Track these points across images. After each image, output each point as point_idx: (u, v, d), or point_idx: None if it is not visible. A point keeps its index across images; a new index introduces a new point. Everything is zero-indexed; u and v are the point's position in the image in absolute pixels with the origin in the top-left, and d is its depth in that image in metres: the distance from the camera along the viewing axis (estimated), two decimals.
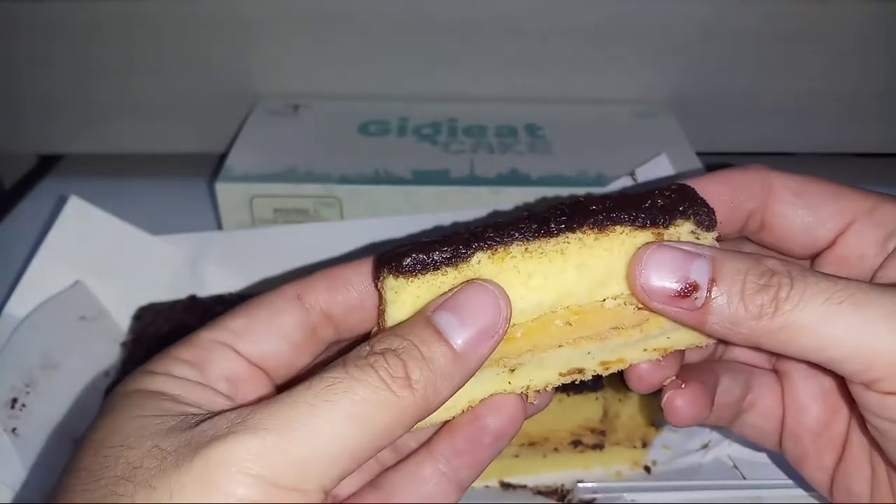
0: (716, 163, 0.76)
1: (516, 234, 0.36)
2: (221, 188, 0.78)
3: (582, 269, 0.36)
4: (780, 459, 0.51)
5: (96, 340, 0.63)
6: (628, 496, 0.56)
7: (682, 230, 0.37)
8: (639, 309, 0.37)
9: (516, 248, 0.36)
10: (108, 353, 0.62)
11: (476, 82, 0.93)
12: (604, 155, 0.82)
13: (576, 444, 0.59)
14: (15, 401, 0.55)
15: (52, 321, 0.61)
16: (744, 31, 0.87)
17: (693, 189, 0.38)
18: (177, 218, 0.77)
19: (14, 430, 0.53)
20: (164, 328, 0.62)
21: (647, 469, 0.60)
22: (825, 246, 0.41)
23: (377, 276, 0.37)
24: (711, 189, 0.40)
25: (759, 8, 0.85)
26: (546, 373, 0.38)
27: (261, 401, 0.31)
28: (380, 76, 0.93)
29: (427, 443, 0.39)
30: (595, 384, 0.57)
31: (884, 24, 0.85)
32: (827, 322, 0.33)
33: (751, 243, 0.44)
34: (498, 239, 0.36)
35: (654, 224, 0.36)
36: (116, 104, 0.93)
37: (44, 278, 0.63)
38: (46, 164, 0.99)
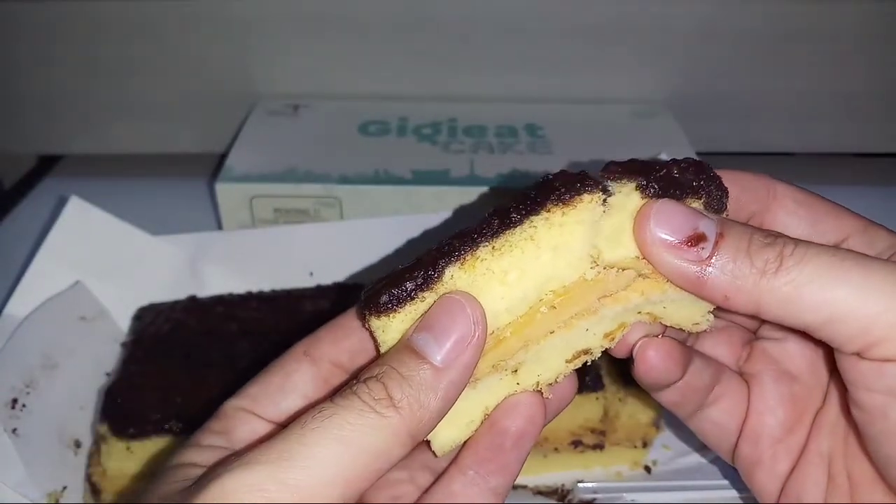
0: (716, 163, 0.76)
1: (479, 237, 0.35)
2: (221, 188, 0.78)
3: (558, 249, 0.35)
4: None
5: (96, 341, 0.63)
6: (628, 496, 0.56)
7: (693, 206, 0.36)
8: (622, 271, 0.36)
9: (483, 251, 0.35)
10: (108, 354, 0.62)
11: (476, 82, 0.93)
12: (604, 155, 0.81)
13: (576, 444, 0.59)
14: (15, 401, 0.55)
15: (53, 321, 0.61)
16: (743, 31, 0.87)
17: (709, 166, 0.37)
18: (177, 218, 0.77)
19: (14, 430, 0.53)
20: (164, 328, 0.62)
21: (648, 469, 0.60)
22: None
23: (362, 320, 0.37)
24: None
25: (758, 8, 0.85)
26: (551, 364, 0.38)
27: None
28: (380, 76, 0.93)
29: (454, 459, 0.39)
30: (595, 384, 0.57)
31: (884, 24, 0.85)
32: (829, 278, 0.33)
33: None
34: (464, 248, 0.35)
35: (666, 194, 0.35)
36: (116, 104, 0.93)
37: (44, 278, 0.63)
38: (46, 165, 0.99)
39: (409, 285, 0.35)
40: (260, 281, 0.69)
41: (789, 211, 0.40)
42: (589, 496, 0.57)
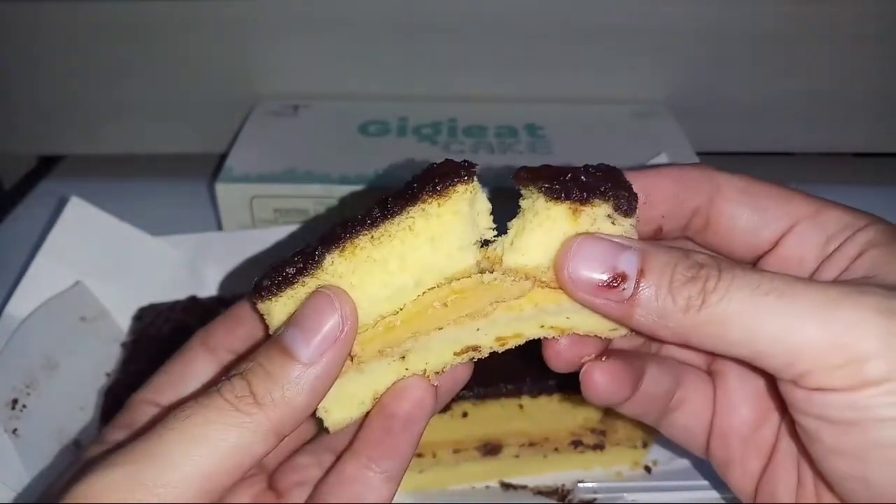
0: (716, 163, 0.76)
1: (360, 226, 0.35)
2: (221, 189, 0.78)
3: (435, 239, 0.36)
4: None
5: (97, 341, 0.63)
6: (629, 496, 0.56)
7: (599, 211, 0.35)
8: (515, 282, 0.36)
9: (363, 239, 0.36)
10: (108, 354, 0.62)
11: (476, 82, 0.93)
12: (604, 155, 0.81)
13: (576, 444, 0.59)
14: (16, 401, 0.55)
15: (53, 322, 0.61)
16: (743, 31, 0.87)
17: (620, 172, 0.36)
18: (177, 218, 0.77)
19: (15, 430, 0.53)
20: (165, 329, 0.62)
21: (648, 469, 0.60)
22: (768, 248, 0.40)
23: (252, 305, 0.38)
24: (657, 182, 0.40)
25: (759, 8, 0.85)
26: (438, 354, 0.38)
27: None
28: (380, 76, 0.93)
29: (349, 444, 0.40)
30: None
31: (884, 24, 0.85)
32: (753, 314, 0.33)
33: (692, 244, 0.43)
34: (344, 235, 0.35)
35: (569, 198, 0.35)
36: (116, 105, 0.93)
37: (44, 279, 0.63)
38: (46, 165, 0.99)
39: (290, 270, 0.36)
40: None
41: (733, 201, 0.40)
42: (589, 496, 0.57)
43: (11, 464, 0.51)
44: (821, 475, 0.37)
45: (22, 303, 0.61)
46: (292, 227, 0.73)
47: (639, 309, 0.35)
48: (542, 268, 0.36)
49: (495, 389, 0.55)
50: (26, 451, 0.53)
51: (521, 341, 0.39)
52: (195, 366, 0.42)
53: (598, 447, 0.59)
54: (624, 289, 0.34)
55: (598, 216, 0.36)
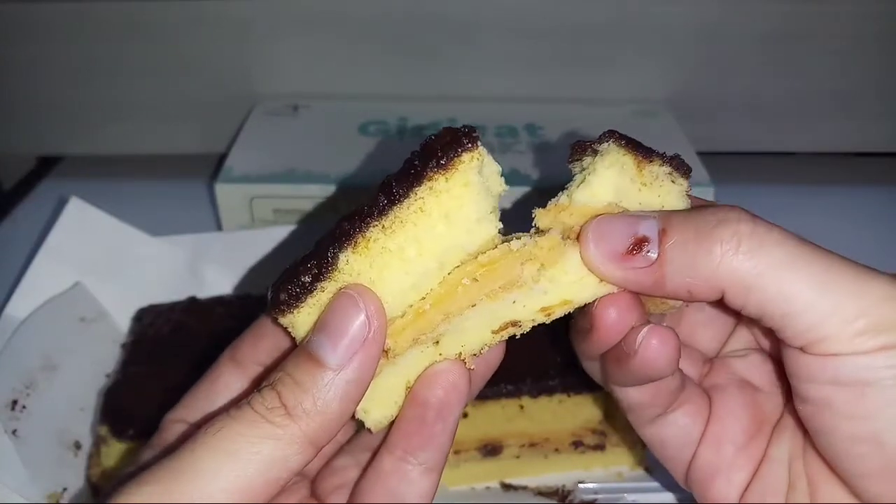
0: (716, 163, 0.76)
1: (368, 217, 0.34)
2: (221, 189, 0.78)
3: (450, 216, 0.34)
4: None
5: (96, 342, 0.63)
6: (629, 497, 0.56)
7: (660, 170, 0.36)
8: (544, 241, 0.35)
9: (375, 231, 0.34)
10: (107, 355, 0.62)
11: (476, 82, 0.92)
12: None
13: (577, 444, 0.59)
14: (15, 402, 0.55)
15: (52, 322, 0.61)
16: (743, 31, 0.87)
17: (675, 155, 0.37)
18: (177, 219, 0.77)
19: (14, 431, 0.53)
20: (164, 329, 0.62)
21: (649, 470, 0.60)
22: None
23: (273, 320, 0.37)
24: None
25: (758, 8, 0.85)
26: (475, 334, 0.36)
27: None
28: (379, 76, 0.93)
29: (384, 438, 0.39)
30: (596, 385, 0.57)
31: (884, 24, 0.85)
32: (790, 272, 0.33)
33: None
34: (353, 230, 0.34)
35: (637, 151, 0.36)
36: (116, 105, 0.93)
37: (44, 279, 0.63)
38: (45, 166, 0.99)
39: (305, 279, 0.35)
40: (260, 281, 0.69)
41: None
42: (590, 497, 0.57)
43: (11, 464, 0.51)
44: (826, 461, 0.37)
45: (21, 303, 0.61)
46: (292, 227, 0.73)
47: (668, 268, 0.34)
48: (611, 207, 0.36)
49: (496, 390, 0.55)
50: (26, 451, 0.52)
51: (571, 308, 0.36)
52: (224, 380, 0.40)
53: (599, 448, 0.59)
54: (648, 251, 0.34)
55: (659, 173, 0.36)
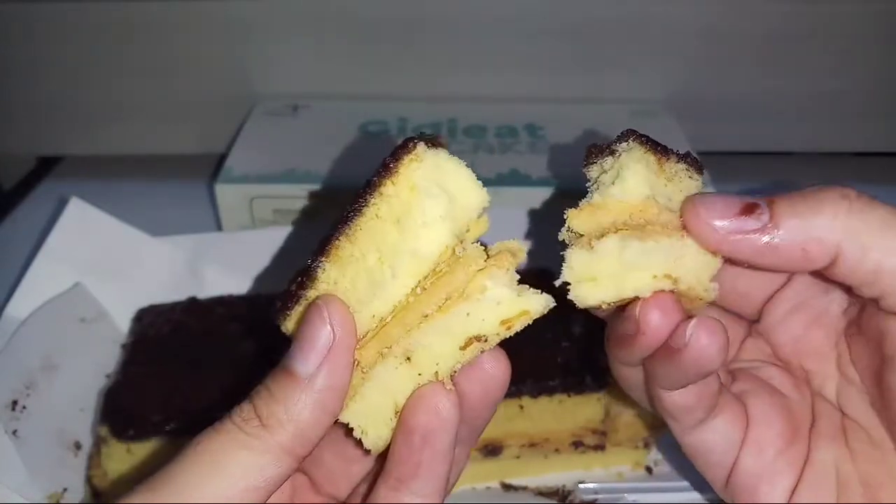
0: (716, 163, 0.76)
1: (339, 225, 0.34)
2: (221, 189, 0.78)
3: (401, 221, 0.34)
4: None
5: (96, 342, 0.63)
6: (630, 497, 0.56)
7: (678, 166, 0.37)
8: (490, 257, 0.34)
9: (343, 239, 0.34)
10: (108, 355, 0.62)
11: (476, 82, 0.92)
12: None
13: (577, 444, 0.59)
14: (15, 403, 0.55)
15: (53, 323, 0.60)
16: (743, 31, 0.87)
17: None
18: (177, 219, 0.76)
19: (15, 432, 0.53)
20: (164, 330, 0.62)
21: (649, 470, 0.60)
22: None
23: (279, 329, 0.37)
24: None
25: (758, 8, 0.85)
26: (442, 350, 0.35)
27: None
28: (379, 76, 0.93)
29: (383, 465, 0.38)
30: (597, 384, 0.57)
31: (883, 24, 0.85)
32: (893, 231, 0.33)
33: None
34: (328, 239, 0.35)
35: (655, 149, 0.37)
36: (115, 106, 0.93)
37: (44, 280, 0.63)
38: (45, 166, 0.99)
39: (292, 287, 0.35)
40: (260, 282, 0.68)
41: None
42: (590, 497, 0.57)
43: (11, 465, 0.51)
44: None
45: (21, 304, 0.61)
46: (292, 228, 0.73)
47: (782, 230, 0.34)
48: (649, 201, 0.36)
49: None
50: (26, 452, 0.52)
51: (530, 320, 0.34)
52: None
53: (599, 448, 0.59)
54: (761, 213, 0.34)
55: (678, 170, 0.37)
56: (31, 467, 0.52)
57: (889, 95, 0.90)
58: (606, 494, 0.57)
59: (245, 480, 0.32)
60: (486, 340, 0.35)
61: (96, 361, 0.62)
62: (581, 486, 0.58)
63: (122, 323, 0.65)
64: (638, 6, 0.85)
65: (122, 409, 0.54)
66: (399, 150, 0.34)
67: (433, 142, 0.34)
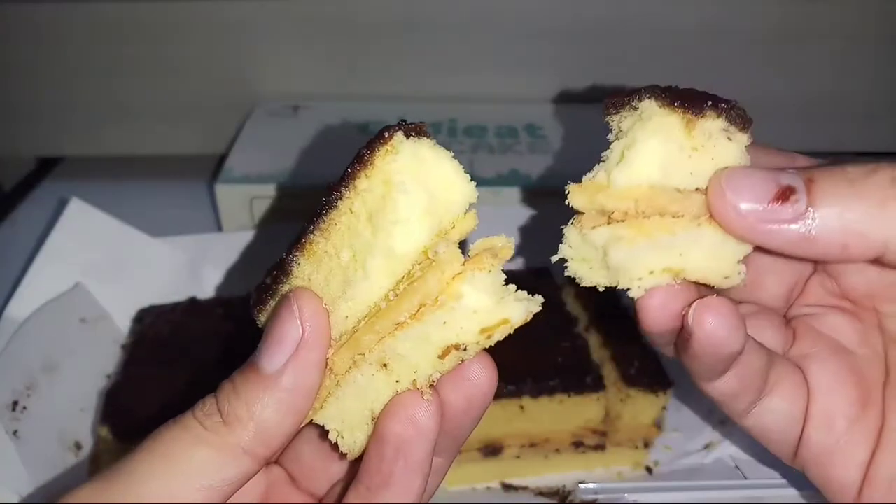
0: None
1: (314, 219, 0.32)
2: (221, 189, 0.78)
3: (373, 217, 0.31)
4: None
5: (97, 342, 0.63)
6: (630, 497, 0.56)
7: (714, 125, 0.32)
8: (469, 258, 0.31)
9: (316, 234, 0.32)
10: (108, 356, 0.62)
11: (476, 82, 0.92)
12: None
13: (577, 444, 0.59)
14: (16, 403, 0.55)
15: (53, 323, 0.60)
16: (742, 31, 0.87)
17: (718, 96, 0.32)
18: (177, 220, 0.77)
19: (15, 432, 0.53)
20: (165, 330, 0.62)
21: (649, 470, 0.60)
22: None
23: (254, 322, 0.37)
24: None
25: (757, 8, 0.85)
26: (419, 359, 0.32)
27: None
28: (379, 77, 0.93)
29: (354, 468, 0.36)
30: (596, 385, 0.57)
31: (884, 24, 0.85)
32: None
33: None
34: (302, 233, 0.33)
35: (683, 107, 0.31)
36: (116, 106, 0.93)
37: (44, 280, 0.63)
38: (46, 167, 0.99)
39: (267, 281, 0.34)
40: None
41: None
42: (590, 497, 0.57)
43: (12, 465, 0.51)
44: None
45: (22, 304, 0.61)
46: (292, 228, 0.73)
47: (820, 220, 0.30)
48: (655, 189, 0.31)
49: (496, 390, 0.55)
50: (27, 452, 0.52)
51: (511, 329, 0.31)
52: None
53: (599, 448, 0.59)
54: (797, 200, 0.30)
55: (713, 130, 0.32)
56: (32, 467, 0.52)
57: (889, 95, 0.90)
58: (606, 494, 0.57)
59: (200, 479, 0.30)
60: (465, 349, 0.32)
61: (97, 362, 0.62)
62: (581, 486, 0.57)
63: (123, 323, 0.65)
64: (638, 6, 0.85)
65: (122, 410, 0.54)
66: (374, 141, 0.31)
67: (415, 130, 0.31)
